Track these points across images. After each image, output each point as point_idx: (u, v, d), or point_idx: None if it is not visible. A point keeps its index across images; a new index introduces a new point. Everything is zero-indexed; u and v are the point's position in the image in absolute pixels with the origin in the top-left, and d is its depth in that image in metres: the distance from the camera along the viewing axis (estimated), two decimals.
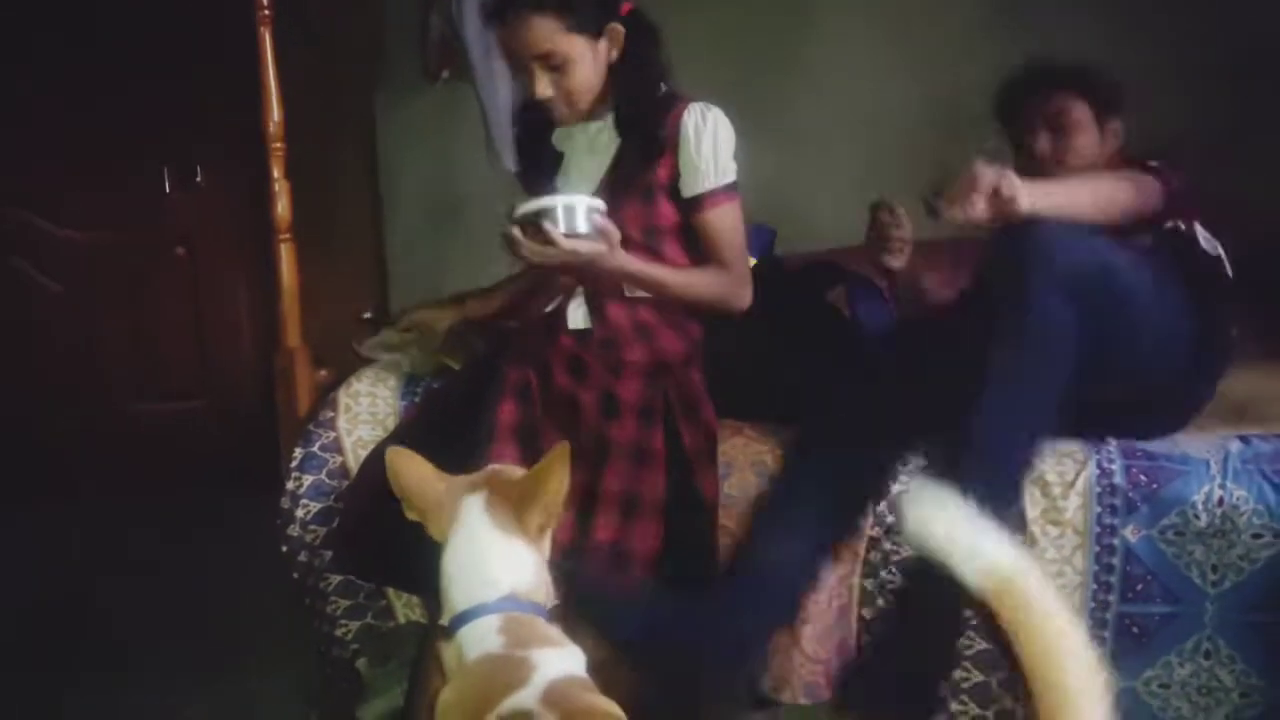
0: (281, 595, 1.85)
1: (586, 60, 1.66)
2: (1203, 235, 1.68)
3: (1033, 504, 1.56)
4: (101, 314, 3.30)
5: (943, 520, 0.85)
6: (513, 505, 1.09)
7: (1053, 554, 1.55)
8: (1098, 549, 1.54)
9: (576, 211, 1.56)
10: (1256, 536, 1.46)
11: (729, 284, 1.73)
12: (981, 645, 1.55)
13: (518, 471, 1.18)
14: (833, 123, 2.87)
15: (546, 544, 1.14)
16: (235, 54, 2.05)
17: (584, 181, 1.71)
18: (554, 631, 1.06)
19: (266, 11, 1.91)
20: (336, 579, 1.79)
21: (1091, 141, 1.81)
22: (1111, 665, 1.54)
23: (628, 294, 1.73)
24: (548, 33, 1.62)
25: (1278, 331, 1.87)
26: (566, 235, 1.56)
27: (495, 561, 1.07)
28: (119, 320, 3.31)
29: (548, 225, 1.54)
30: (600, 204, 1.60)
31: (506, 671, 0.99)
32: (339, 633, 1.81)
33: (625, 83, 1.71)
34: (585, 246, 1.58)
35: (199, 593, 2.52)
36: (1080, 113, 1.80)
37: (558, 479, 1.10)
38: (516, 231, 1.57)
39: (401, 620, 1.79)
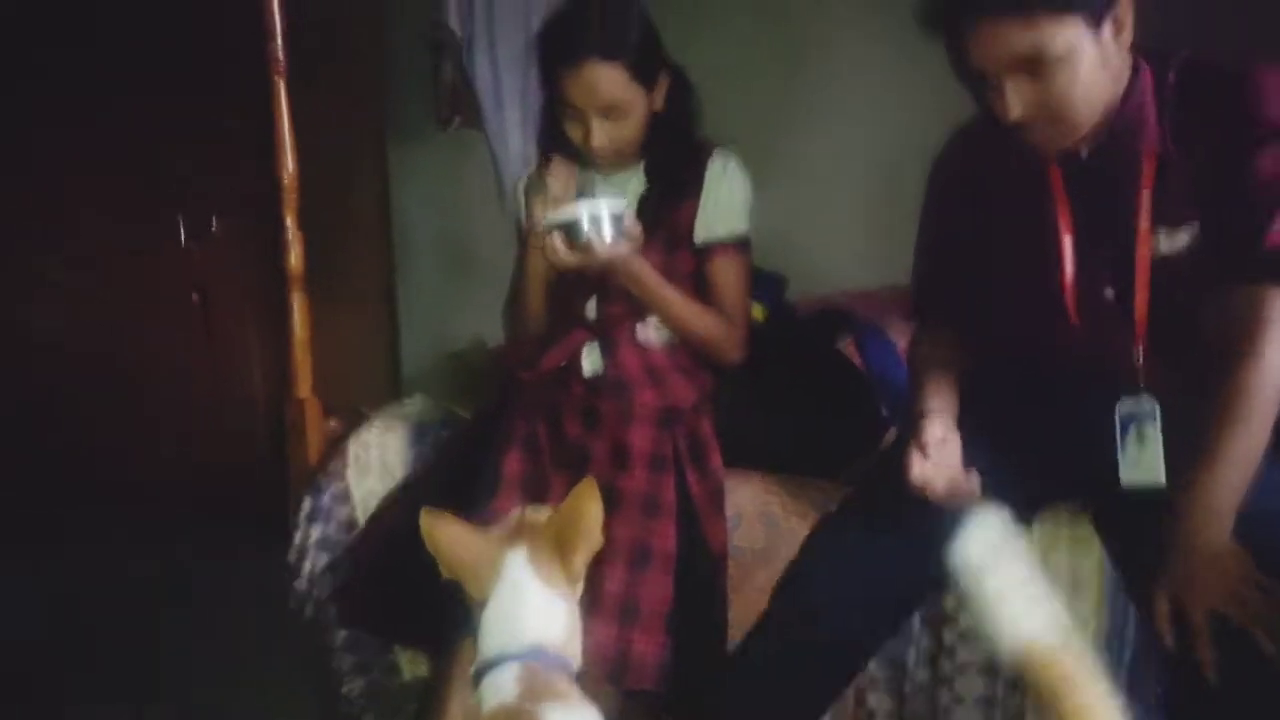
0: (288, 650, 1.83)
1: (642, 111, 1.68)
2: None
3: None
4: (114, 361, 3.31)
5: (997, 575, 0.81)
6: (555, 550, 1.09)
7: (1064, 596, 1.53)
8: (1110, 610, 1.51)
9: (602, 218, 1.60)
10: None
11: (727, 334, 1.73)
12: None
13: (545, 511, 1.17)
14: (841, 167, 2.88)
15: (582, 583, 1.13)
16: (250, 103, 2.07)
17: None
18: (572, 689, 1.05)
19: (280, 62, 1.93)
20: (343, 634, 1.77)
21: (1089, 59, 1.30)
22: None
23: (640, 337, 1.73)
24: (617, 82, 1.63)
25: None
26: (595, 241, 1.59)
27: (527, 613, 1.06)
28: (132, 368, 3.32)
29: (577, 234, 1.59)
30: (623, 205, 1.63)
31: None
32: (345, 689, 1.79)
33: (664, 133, 1.73)
34: (611, 251, 1.60)
35: (203, 646, 2.49)
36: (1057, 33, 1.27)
37: (592, 511, 1.10)
38: (557, 239, 1.60)
39: (407, 677, 1.77)
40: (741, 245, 1.75)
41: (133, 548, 3.02)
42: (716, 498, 1.63)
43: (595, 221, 1.59)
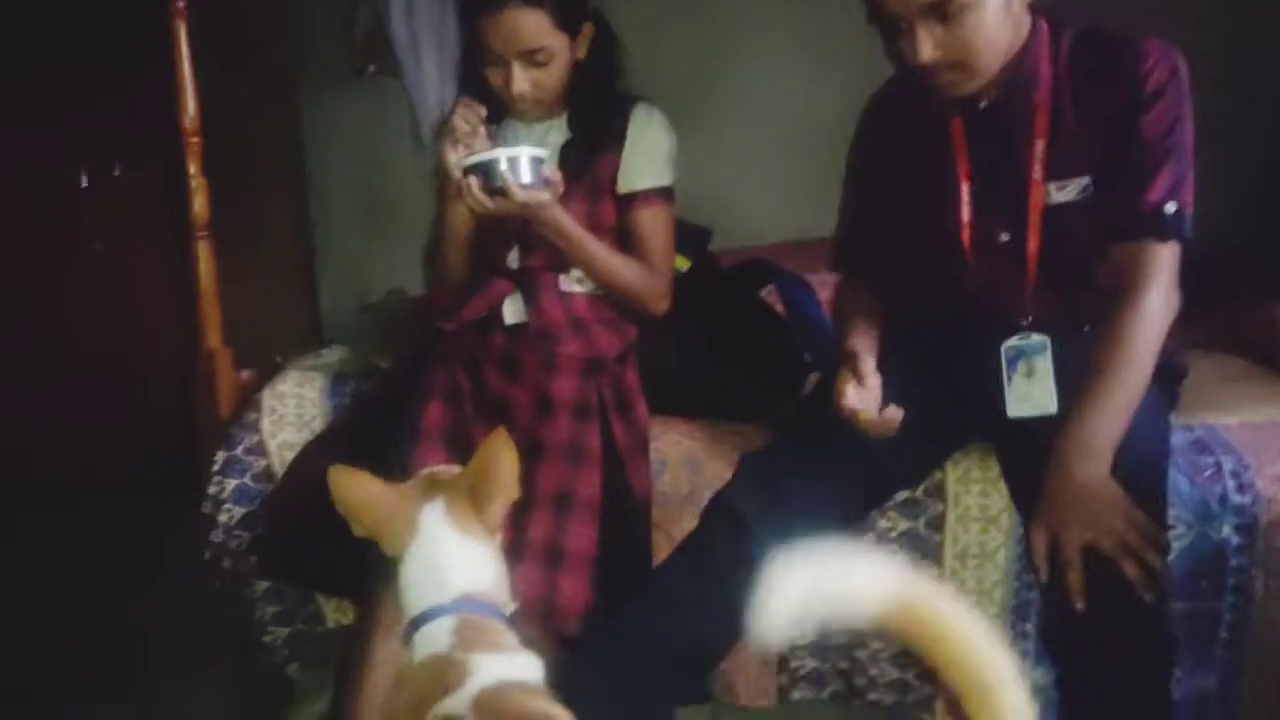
0: (206, 602, 1.80)
1: (564, 58, 1.66)
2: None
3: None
4: (17, 311, 3.18)
5: (799, 590, 0.78)
6: (471, 503, 1.07)
7: (976, 550, 1.58)
8: (1019, 550, 1.56)
9: (520, 162, 1.57)
10: (1170, 528, 1.49)
11: (650, 284, 1.73)
12: (903, 557, 1.57)
13: (453, 470, 1.15)
14: (765, 121, 2.90)
15: (500, 533, 1.12)
16: (154, 45, 1.99)
17: None
18: (507, 636, 1.04)
19: (181, 4, 1.86)
20: (263, 585, 1.75)
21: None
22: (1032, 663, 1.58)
23: (564, 287, 1.72)
24: (539, 28, 1.62)
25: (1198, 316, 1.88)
26: (517, 185, 1.56)
27: (452, 564, 1.05)
28: (36, 317, 3.19)
29: (494, 177, 1.56)
30: (543, 153, 1.61)
31: (444, 675, 0.97)
32: (267, 639, 1.77)
33: (587, 82, 1.71)
34: (529, 196, 1.58)
35: (120, 601, 2.44)
36: None
37: (506, 461, 1.08)
38: (472, 181, 1.57)
39: (331, 624, 1.76)
40: (665, 195, 1.74)
41: (41, 510, 2.93)
42: (641, 445, 1.64)
43: (513, 164, 1.56)
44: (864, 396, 1.41)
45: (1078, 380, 1.37)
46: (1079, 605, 1.28)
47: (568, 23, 1.65)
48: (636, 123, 1.72)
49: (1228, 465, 1.56)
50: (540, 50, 1.63)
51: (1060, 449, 1.32)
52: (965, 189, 1.49)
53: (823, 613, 0.78)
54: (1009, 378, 1.46)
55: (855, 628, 0.79)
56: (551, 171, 1.60)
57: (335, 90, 3.12)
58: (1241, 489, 1.54)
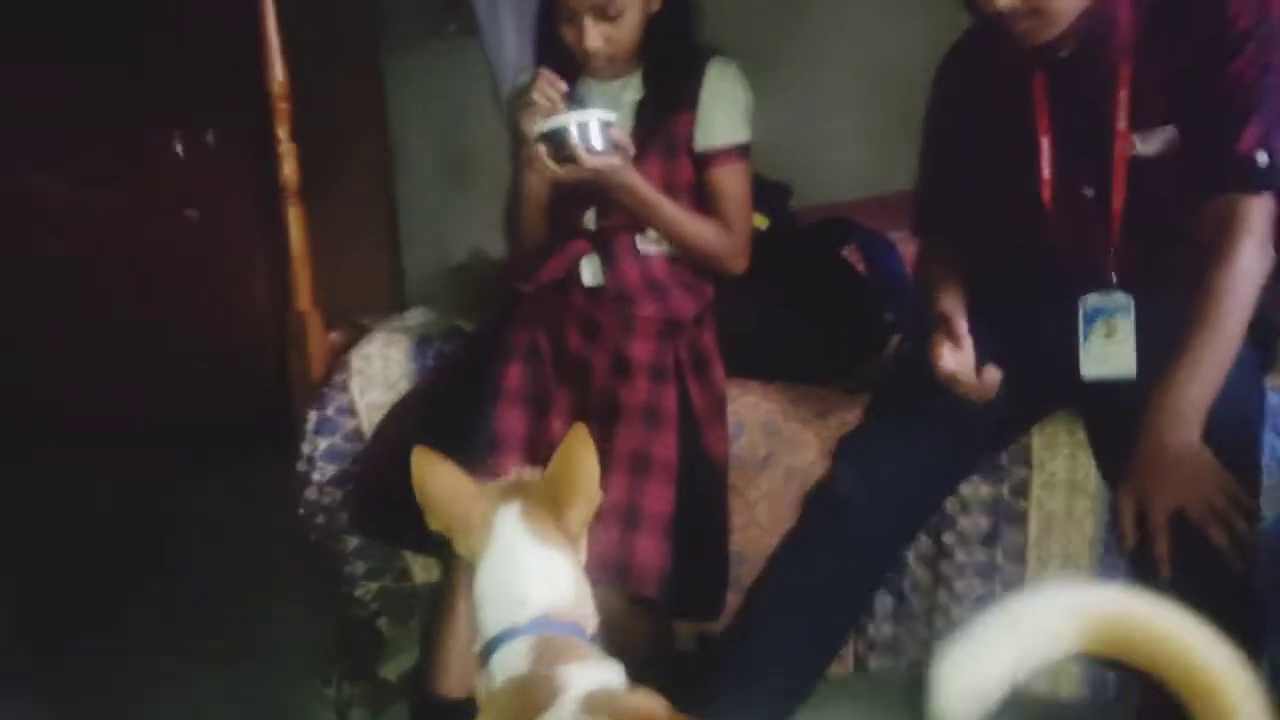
0: (300, 558, 1.87)
1: (637, 12, 1.65)
2: None
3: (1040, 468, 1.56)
4: (114, 277, 3.31)
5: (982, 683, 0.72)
6: (550, 509, 1.01)
7: (1062, 517, 1.55)
8: (1107, 516, 1.53)
9: (590, 127, 1.56)
10: (1265, 493, 1.44)
11: (728, 244, 1.72)
12: (985, 524, 1.56)
13: (537, 475, 1.09)
14: (844, 75, 2.82)
15: (584, 544, 1.06)
16: (241, 12, 2.03)
17: None
18: (591, 649, 0.98)
19: None
20: (354, 541, 1.81)
21: None
22: None
23: (640, 248, 1.72)
24: None
25: None
26: (585, 151, 1.55)
27: (530, 579, 0.98)
28: (132, 284, 3.31)
29: (566, 143, 1.55)
30: (612, 116, 1.60)
31: (535, 692, 0.91)
32: (358, 593, 1.83)
33: (661, 37, 1.69)
34: (600, 161, 1.57)
35: (216, 556, 2.54)
36: None
37: (586, 463, 1.03)
38: (542, 149, 1.57)
39: (419, 581, 1.82)
40: (742, 153, 1.72)
41: (139, 463, 3.06)
42: (718, 407, 1.64)
43: (583, 130, 1.55)
44: (960, 359, 1.38)
45: (1159, 343, 1.32)
46: (1165, 572, 1.25)
47: None
48: (711, 78, 1.69)
49: None
50: (612, 3, 1.61)
51: (1150, 412, 1.29)
52: (1046, 143, 1.44)
53: (1018, 674, 0.73)
54: (1086, 336, 1.43)
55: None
56: (620, 135, 1.59)
57: (416, 51, 3.14)
58: None
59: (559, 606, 0.98)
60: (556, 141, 1.56)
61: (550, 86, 1.63)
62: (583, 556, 1.05)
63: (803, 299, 1.78)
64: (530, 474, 1.11)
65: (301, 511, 1.81)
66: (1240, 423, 1.33)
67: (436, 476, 1.04)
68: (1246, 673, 0.74)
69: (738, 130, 1.71)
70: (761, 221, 1.88)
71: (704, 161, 1.71)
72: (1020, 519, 1.56)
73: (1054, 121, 1.44)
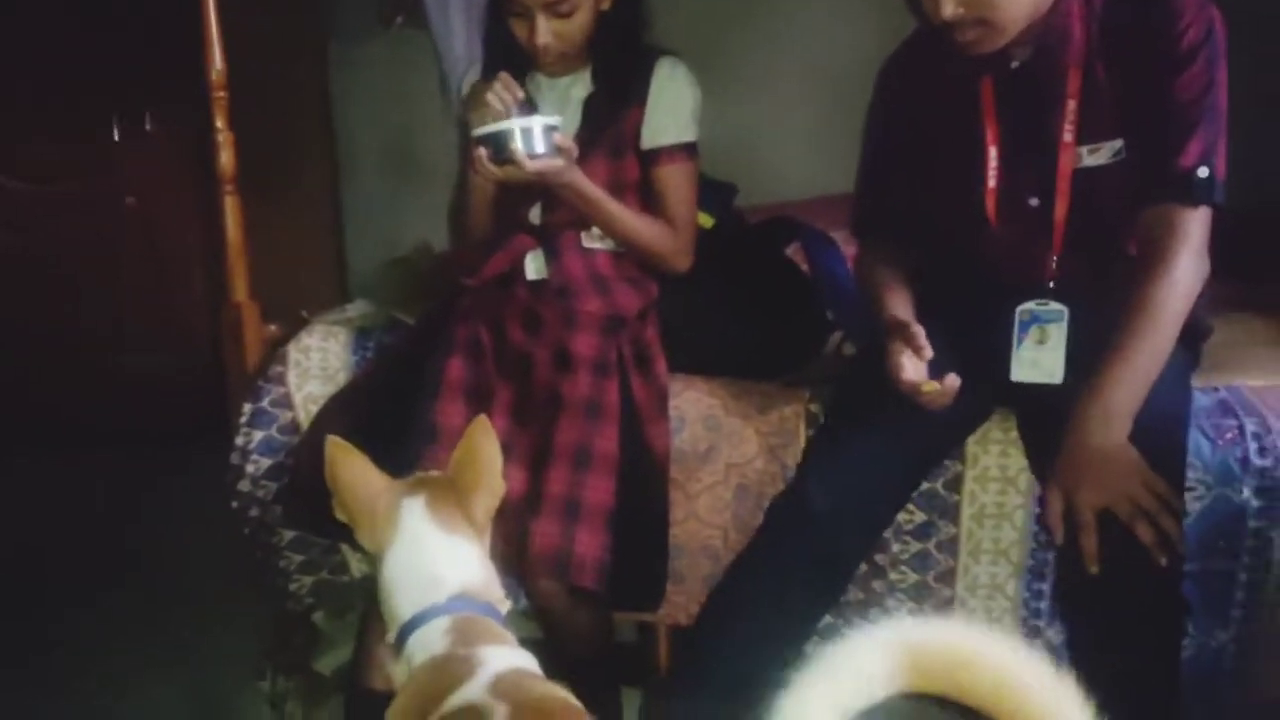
0: (235, 550, 1.84)
1: (589, 9, 1.64)
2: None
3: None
4: (51, 265, 3.23)
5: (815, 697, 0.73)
6: (455, 499, 1.03)
7: (993, 510, 1.58)
8: (1037, 510, 1.56)
9: (534, 132, 1.55)
10: (1189, 489, 1.49)
11: (672, 242, 1.72)
12: (920, 517, 1.59)
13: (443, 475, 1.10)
14: (791, 76, 2.86)
15: (488, 534, 1.08)
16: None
17: None
18: (505, 633, 1.00)
19: None
20: (289, 534, 1.79)
21: None
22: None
23: (585, 244, 1.72)
24: None
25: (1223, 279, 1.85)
26: (527, 156, 1.55)
27: (441, 562, 1.00)
28: (69, 271, 3.24)
29: (508, 146, 1.54)
30: (556, 121, 1.59)
31: (451, 669, 0.93)
32: (293, 587, 1.81)
33: (611, 35, 1.68)
34: (542, 165, 1.57)
35: (152, 546, 2.50)
36: None
37: (488, 454, 1.04)
38: (482, 152, 1.56)
39: (356, 574, 1.80)
40: (688, 151, 1.73)
41: (72, 460, 2.99)
42: (660, 402, 1.65)
43: (526, 135, 1.55)
44: (920, 368, 1.38)
45: (1093, 350, 1.35)
46: (1093, 568, 1.28)
47: None
48: (660, 77, 1.70)
49: (1250, 427, 1.55)
50: (565, 1, 1.61)
51: (1079, 413, 1.32)
52: (993, 153, 1.46)
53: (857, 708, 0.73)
54: (1019, 340, 1.45)
55: (897, 700, 0.75)
56: (564, 139, 1.59)
57: (363, 43, 3.11)
58: (1263, 451, 1.53)
59: (473, 586, 1.01)
60: (498, 144, 1.55)
61: (507, 91, 1.62)
62: (488, 545, 1.07)
63: (746, 296, 1.79)
64: (432, 475, 1.11)
65: (235, 505, 1.78)
66: (1167, 423, 1.36)
67: (348, 467, 1.04)
68: (1064, 695, 0.73)
69: (685, 129, 1.72)
70: (707, 220, 1.89)
71: (651, 159, 1.72)
72: (953, 512, 1.59)
73: (1001, 131, 1.46)
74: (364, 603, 1.70)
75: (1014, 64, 1.43)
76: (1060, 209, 1.44)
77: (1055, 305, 1.45)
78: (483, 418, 1.07)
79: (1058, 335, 1.43)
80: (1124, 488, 1.28)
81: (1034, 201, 1.45)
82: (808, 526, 1.43)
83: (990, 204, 1.47)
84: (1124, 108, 1.40)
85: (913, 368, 1.38)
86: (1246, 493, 1.52)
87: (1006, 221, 1.47)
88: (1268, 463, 1.52)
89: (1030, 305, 1.45)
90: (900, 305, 1.49)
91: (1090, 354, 1.36)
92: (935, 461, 1.57)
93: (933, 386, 1.36)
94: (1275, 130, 2.08)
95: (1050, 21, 1.39)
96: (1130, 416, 1.31)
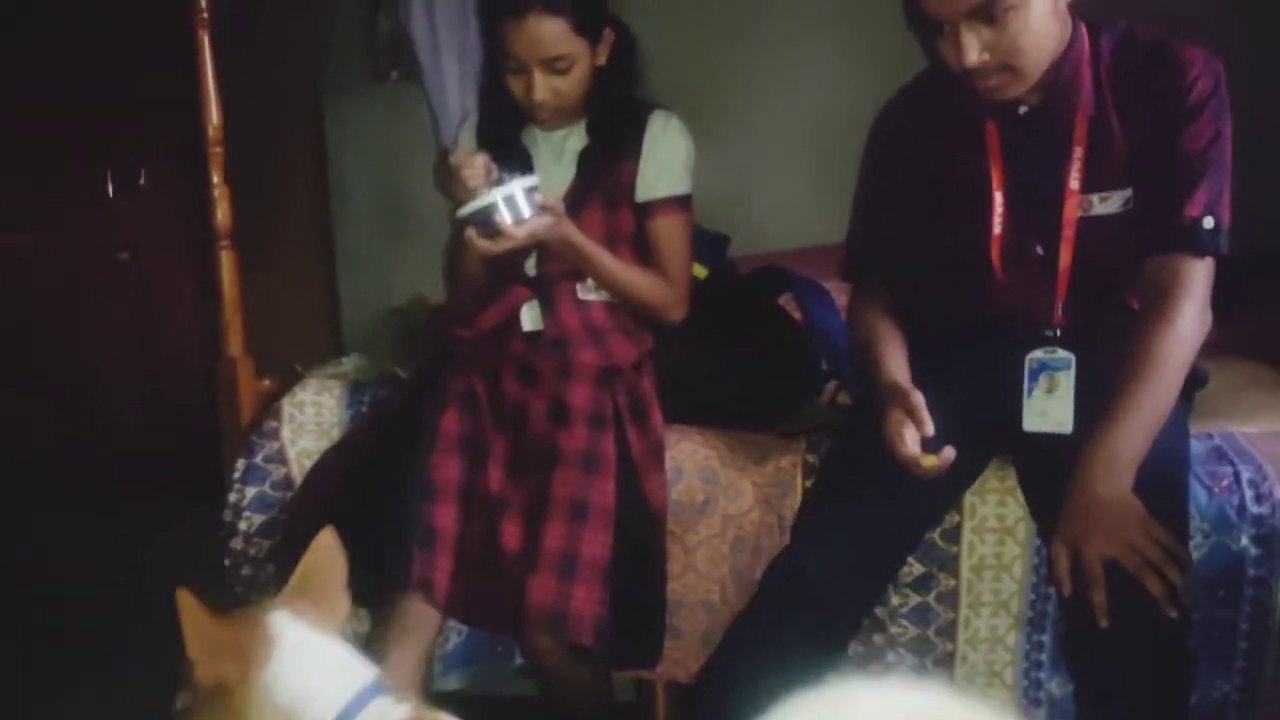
0: (225, 610, 1.81)
1: (585, 65, 1.65)
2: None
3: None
4: (42, 320, 3.22)
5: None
6: (310, 604, 1.01)
7: (992, 561, 1.57)
8: (1036, 561, 1.56)
9: (516, 198, 1.55)
10: (1189, 538, 1.48)
11: (666, 294, 1.73)
12: (920, 570, 1.57)
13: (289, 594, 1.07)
14: (785, 127, 2.89)
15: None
16: (178, 55, 2.02)
17: (550, 189, 1.69)
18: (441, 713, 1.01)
19: (205, 14, 1.88)
20: None
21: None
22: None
23: (580, 295, 1.72)
24: (561, 35, 1.61)
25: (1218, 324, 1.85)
26: (514, 223, 1.55)
27: (341, 658, 0.99)
28: (62, 325, 3.23)
29: (495, 220, 1.54)
30: (534, 181, 1.59)
31: None
32: None
33: (606, 89, 1.70)
34: (530, 228, 1.57)
35: (141, 604, 2.45)
36: None
37: (331, 568, 1.03)
38: (471, 231, 1.56)
39: (348, 634, 1.76)
40: (682, 204, 1.74)
41: (65, 512, 2.96)
42: (656, 454, 1.64)
43: (510, 203, 1.54)
44: (919, 441, 1.36)
45: (1100, 398, 1.34)
46: (1104, 622, 1.26)
47: (589, 29, 1.64)
48: (653, 130, 1.71)
49: (1246, 474, 1.55)
50: (562, 58, 1.62)
51: (1083, 464, 1.31)
52: (999, 199, 1.45)
53: None
54: (1029, 390, 1.44)
55: None
56: (546, 199, 1.59)
57: (357, 97, 3.13)
58: (1260, 499, 1.53)
59: (377, 674, 0.99)
60: (484, 220, 1.55)
61: (472, 169, 1.60)
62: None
63: (740, 347, 1.79)
64: (282, 598, 1.07)
65: (227, 563, 1.76)
66: (1169, 472, 1.36)
67: (194, 616, 0.96)
68: None
69: (679, 182, 1.73)
70: (701, 271, 1.90)
71: (645, 212, 1.73)
72: (952, 564, 1.58)
73: (1007, 178, 1.45)
74: None
75: (1022, 109, 1.42)
76: (1065, 257, 1.43)
77: (1063, 353, 1.44)
78: (328, 532, 1.04)
79: (1066, 384, 1.43)
80: (1130, 539, 1.27)
81: (1039, 249, 1.45)
82: (804, 597, 1.40)
83: (995, 251, 1.46)
84: (1131, 157, 1.39)
85: (912, 440, 1.36)
86: (1245, 540, 1.52)
87: (1011, 269, 1.46)
88: (1265, 510, 1.52)
89: (1039, 354, 1.44)
90: (897, 366, 1.47)
91: (1096, 403, 1.35)
92: (933, 519, 1.55)
93: (931, 462, 1.34)
94: (1263, 173, 2.10)
95: (1061, 68, 1.39)
96: (1134, 466, 1.30)
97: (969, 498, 1.57)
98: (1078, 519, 1.30)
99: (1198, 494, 1.52)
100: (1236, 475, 1.55)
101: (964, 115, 1.45)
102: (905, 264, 1.56)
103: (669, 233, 1.73)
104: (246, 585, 1.76)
